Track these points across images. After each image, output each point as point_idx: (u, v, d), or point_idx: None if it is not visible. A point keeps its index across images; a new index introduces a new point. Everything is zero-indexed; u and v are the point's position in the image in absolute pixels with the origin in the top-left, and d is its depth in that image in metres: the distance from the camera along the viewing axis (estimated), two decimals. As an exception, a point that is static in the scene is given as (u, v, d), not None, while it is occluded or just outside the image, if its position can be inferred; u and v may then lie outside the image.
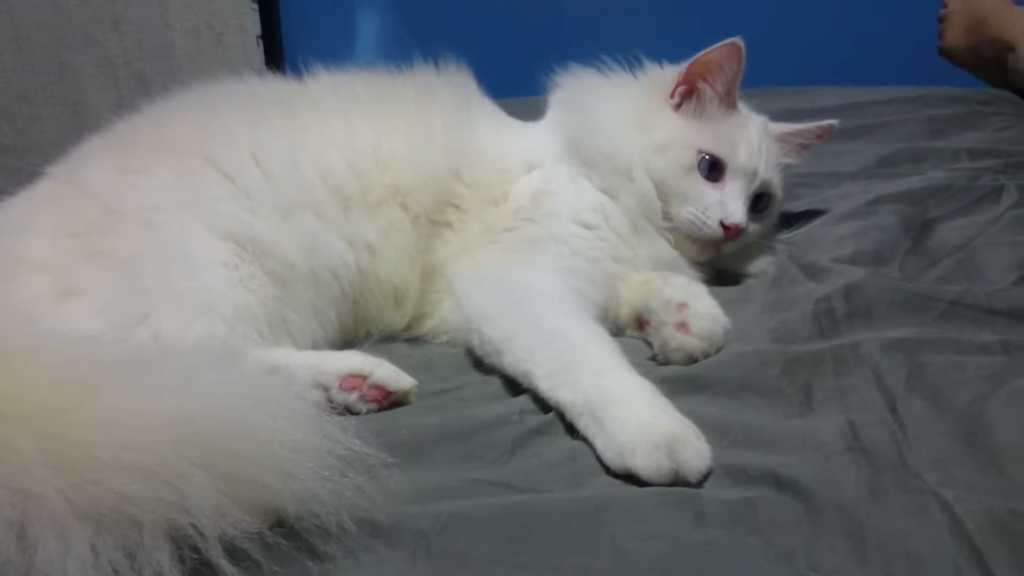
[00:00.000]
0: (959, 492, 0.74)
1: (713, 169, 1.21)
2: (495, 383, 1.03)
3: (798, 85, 2.05)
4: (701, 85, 1.23)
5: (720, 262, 1.25)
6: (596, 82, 1.30)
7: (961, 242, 1.24)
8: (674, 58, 1.29)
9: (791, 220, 1.36)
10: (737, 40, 1.21)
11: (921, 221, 1.31)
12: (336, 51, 2.54)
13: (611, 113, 1.26)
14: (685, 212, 1.21)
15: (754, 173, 1.23)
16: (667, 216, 1.22)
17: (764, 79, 1.91)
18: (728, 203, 1.20)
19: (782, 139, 1.30)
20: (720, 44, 1.21)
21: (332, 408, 0.95)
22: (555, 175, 1.25)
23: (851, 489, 0.76)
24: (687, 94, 1.25)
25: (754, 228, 1.25)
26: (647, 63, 1.30)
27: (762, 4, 2.42)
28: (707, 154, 1.21)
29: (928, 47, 1.98)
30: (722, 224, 1.19)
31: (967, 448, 0.81)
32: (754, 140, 1.23)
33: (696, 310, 1.06)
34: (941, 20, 1.96)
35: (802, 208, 1.43)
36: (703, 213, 1.20)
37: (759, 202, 1.26)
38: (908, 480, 0.77)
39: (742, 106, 1.29)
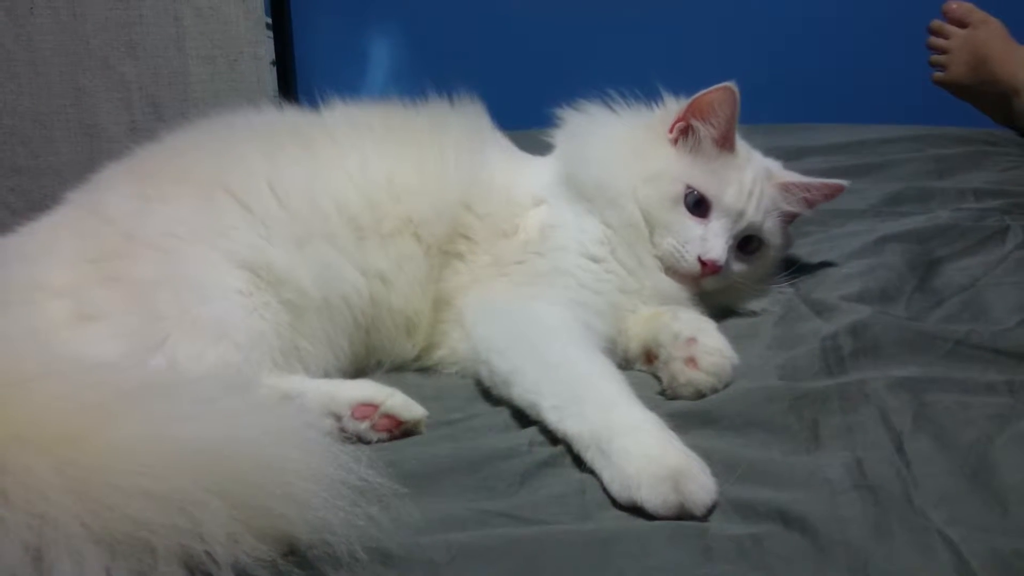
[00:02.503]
0: (964, 531, 0.75)
1: (699, 205, 1.22)
2: (504, 414, 1.04)
3: (805, 122, 2.06)
4: (697, 124, 1.24)
5: (710, 298, 1.25)
6: (599, 115, 1.32)
7: (967, 282, 1.25)
8: (682, 94, 1.30)
9: (796, 259, 1.37)
10: (731, 84, 1.22)
11: (927, 260, 1.31)
12: (349, 78, 2.57)
13: (605, 142, 1.28)
14: (666, 243, 1.22)
15: (740, 214, 1.23)
16: (653, 246, 1.23)
17: (772, 116, 1.93)
18: (709, 239, 1.21)
19: (786, 188, 1.29)
20: (715, 87, 1.23)
21: (344, 437, 0.96)
22: (561, 209, 1.26)
23: (857, 526, 0.77)
24: (684, 131, 1.26)
25: (740, 269, 1.26)
26: (653, 98, 1.32)
27: (770, 42, 2.45)
28: (695, 190, 1.22)
29: (932, 85, 2.00)
30: (700, 259, 1.20)
31: (972, 487, 0.82)
32: (747, 183, 1.24)
33: (705, 345, 1.07)
34: (931, 47, 1.97)
35: (809, 245, 1.44)
36: (683, 246, 1.21)
37: (748, 244, 1.26)
38: (914, 518, 0.77)
39: (747, 149, 1.30)
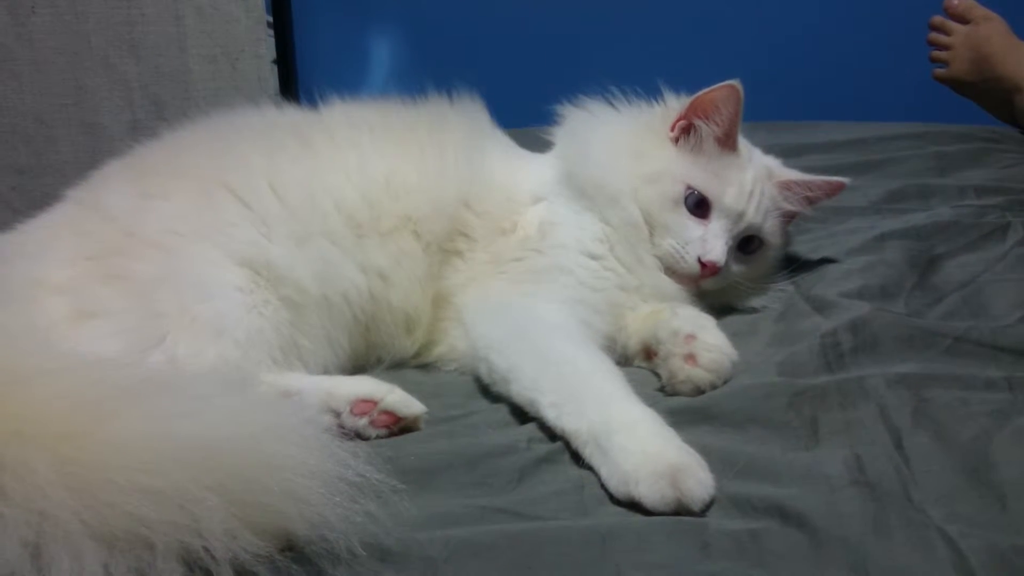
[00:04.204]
0: (963, 527, 0.75)
1: (700, 206, 1.22)
2: (503, 411, 1.04)
3: (806, 119, 2.06)
4: (699, 123, 1.24)
5: (709, 296, 1.24)
6: (600, 112, 1.32)
7: (967, 278, 1.24)
8: (683, 92, 1.30)
9: (796, 256, 1.37)
10: (735, 83, 1.21)
11: (927, 257, 1.31)
12: (349, 76, 2.57)
13: (605, 141, 1.27)
14: (666, 244, 1.22)
15: (740, 215, 1.23)
16: (653, 245, 1.23)
17: (772, 113, 1.93)
18: (709, 240, 1.20)
19: (787, 187, 1.29)
20: (719, 85, 1.22)
21: (342, 433, 0.95)
22: (560, 207, 1.26)
23: (856, 522, 0.77)
24: (685, 130, 1.25)
25: (739, 269, 1.25)
26: (655, 96, 1.32)
27: (771, 39, 2.44)
28: (695, 190, 1.22)
29: (934, 82, 2.00)
30: (699, 261, 1.20)
31: (971, 484, 0.82)
32: (747, 183, 1.23)
33: (704, 342, 1.07)
34: (932, 43, 1.96)
35: (809, 242, 1.44)
36: (683, 247, 1.21)
37: (748, 244, 1.26)
38: (912, 514, 0.77)
39: (749, 148, 1.29)
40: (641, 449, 0.85)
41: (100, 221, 1.10)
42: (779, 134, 1.73)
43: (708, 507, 0.81)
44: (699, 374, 1.04)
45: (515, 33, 2.50)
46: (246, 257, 1.10)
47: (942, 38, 1.95)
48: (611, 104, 1.32)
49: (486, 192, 1.26)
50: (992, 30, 1.88)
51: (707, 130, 1.24)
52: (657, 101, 1.32)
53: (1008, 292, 1.19)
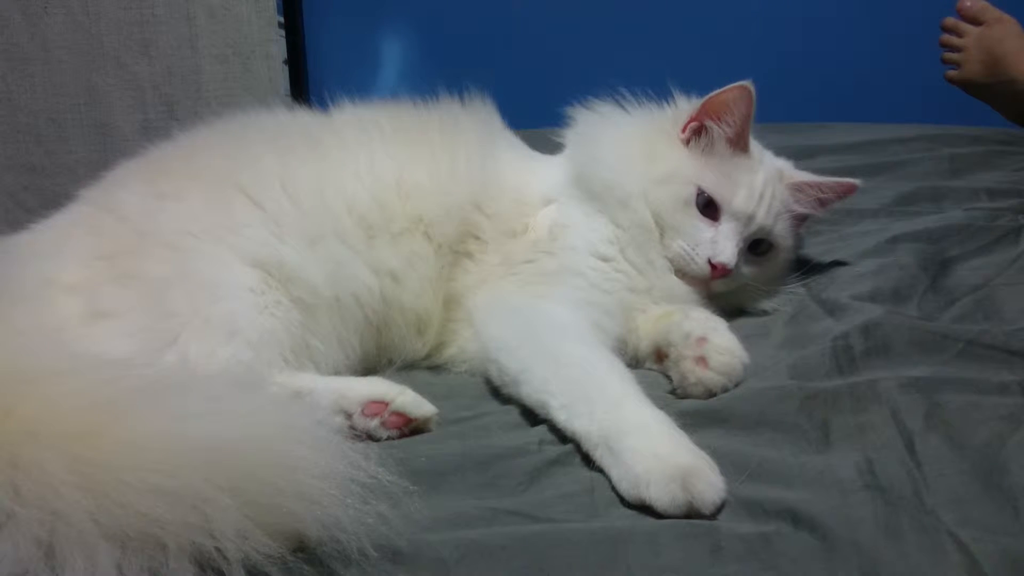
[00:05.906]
0: (975, 532, 0.75)
1: (710, 207, 1.22)
2: (514, 412, 1.04)
3: (817, 121, 2.06)
4: (710, 124, 1.24)
5: (720, 298, 1.24)
6: (611, 114, 1.32)
7: (979, 282, 1.24)
8: (693, 93, 1.30)
9: (808, 258, 1.36)
10: (747, 84, 1.21)
11: (940, 260, 1.31)
12: (360, 77, 2.58)
13: (616, 143, 1.27)
14: (676, 246, 1.22)
15: (750, 218, 1.23)
16: (664, 247, 1.23)
17: (783, 115, 1.93)
18: (719, 242, 1.20)
19: (799, 188, 1.28)
20: (731, 86, 1.22)
21: (354, 434, 0.96)
22: (570, 208, 1.26)
23: (867, 526, 0.77)
24: (697, 131, 1.25)
25: (749, 271, 1.25)
26: (665, 97, 1.32)
27: (781, 40, 2.44)
28: (705, 192, 1.22)
29: (946, 84, 1.99)
30: (709, 262, 1.20)
31: (984, 488, 0.81)
32: (757, 186, 1.23)
33: (715, 345, 1.06)
34: (945, 45, 1.96)
35: (821, 245, 1.43)
36: (693, 249, 1.21)
37: (758, 246, 1.26)
38: (924, 519, 0.77)
39: (760, 150, 1.29)
40: (652, 452, 0.85)
41: (113, 221, 1.11)
42: (789, 136, 1.73)
43: (719, 510, 0.81)
44: (710, 377, 1.04)
45: (526, 35, 2.51)
46: (258, 258, 1.10)
47: (954, 40, 1.94)
48: (621, 106, 1.32)
49: (497, 194, 1.26)
50: (1005, 31, 1.88)
51: (718, 131, 1.23)
52: (667, 102, 1.32)
53: (1021, 296, 1.19)
